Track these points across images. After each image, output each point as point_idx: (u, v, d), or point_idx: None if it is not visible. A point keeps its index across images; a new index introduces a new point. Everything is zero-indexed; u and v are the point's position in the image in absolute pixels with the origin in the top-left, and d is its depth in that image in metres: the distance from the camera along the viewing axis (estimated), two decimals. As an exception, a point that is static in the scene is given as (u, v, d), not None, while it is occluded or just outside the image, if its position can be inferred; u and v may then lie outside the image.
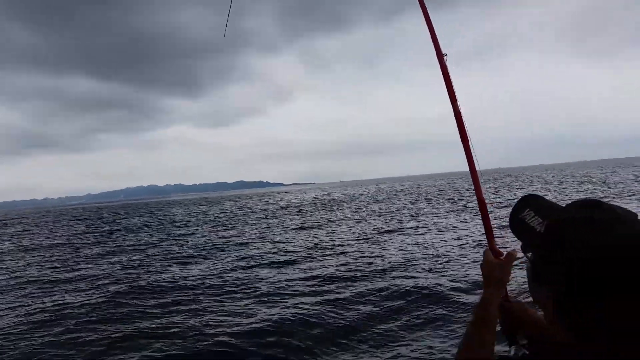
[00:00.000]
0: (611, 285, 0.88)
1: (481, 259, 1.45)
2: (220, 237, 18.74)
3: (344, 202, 40.98)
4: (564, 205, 1.06)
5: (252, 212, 36.73)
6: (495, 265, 1.39)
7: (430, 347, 5.37)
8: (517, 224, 1.11)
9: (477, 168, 1.94)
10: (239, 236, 18.75)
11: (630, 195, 21.83)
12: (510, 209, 1.12)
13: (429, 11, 2.07)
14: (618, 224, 0.93)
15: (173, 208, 61.79)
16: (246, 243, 16.01)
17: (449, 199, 31.77)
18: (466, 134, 2.06)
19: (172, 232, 23.52)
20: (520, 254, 1.17)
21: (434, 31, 2.16)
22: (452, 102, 2.14)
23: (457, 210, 22.69)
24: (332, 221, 22.37)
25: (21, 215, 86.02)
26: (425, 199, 34.61)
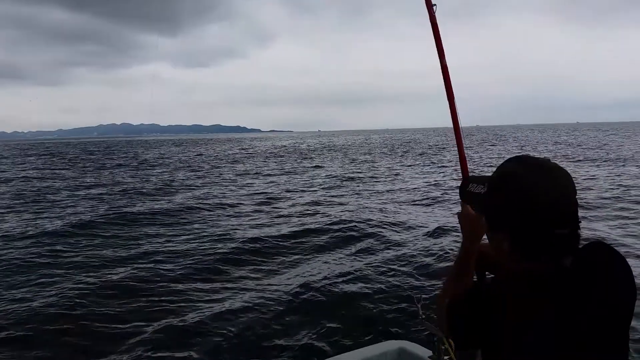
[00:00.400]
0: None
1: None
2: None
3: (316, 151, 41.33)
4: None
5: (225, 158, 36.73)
6: (476, 220, 1.44)
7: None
8: (466, 196, 1.38)
9: (460, 125, 1.98)
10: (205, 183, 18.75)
11: (578, 160, 22.76)
12: (486, 167, 1.28)
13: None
14: (526, 167, 1.17)
15: (143, 149, 60.97)
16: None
17: (422, 154, 32.34)
18: (452, 91, 2.07)
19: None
20: None
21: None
22: (439, 57, 2.13)
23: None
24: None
25: None
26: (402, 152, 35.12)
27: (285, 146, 58.46)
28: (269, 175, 20.80)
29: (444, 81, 2.12)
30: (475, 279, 1.53)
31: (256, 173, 21.94)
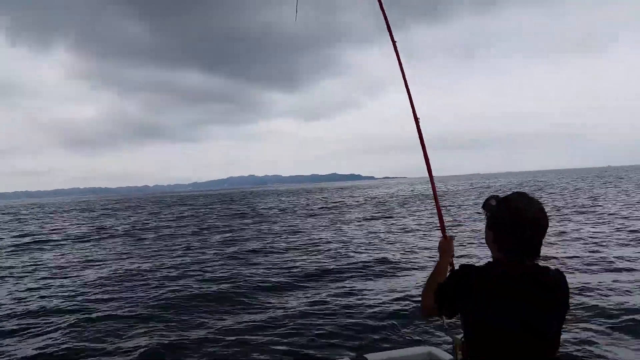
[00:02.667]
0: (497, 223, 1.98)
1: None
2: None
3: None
4: None
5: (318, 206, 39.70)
6: (448, 243, 2.41)
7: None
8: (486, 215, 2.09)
9: (432, 172, 2.66)
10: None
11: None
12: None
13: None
14: (511, 198, 1.98)
15: (267, 197, 68.42)
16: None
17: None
18: (423, 139, 2.64)
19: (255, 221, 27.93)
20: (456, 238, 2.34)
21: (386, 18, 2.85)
22: (411, 103, 2.70)
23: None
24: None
25: (138, 201, 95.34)
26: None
27: (390, 193, 58.85)
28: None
29: (417, 130, 2.65)
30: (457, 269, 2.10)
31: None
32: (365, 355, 3.28)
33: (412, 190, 63.62)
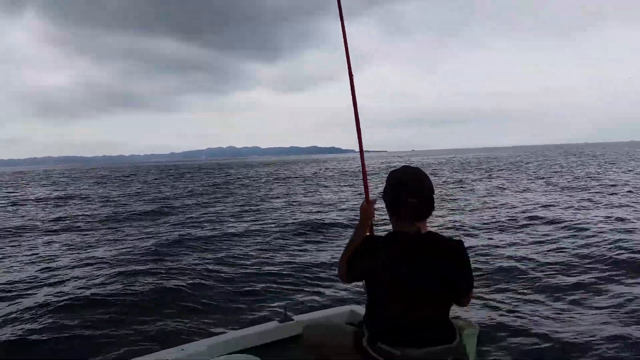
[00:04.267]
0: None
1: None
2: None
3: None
4: None
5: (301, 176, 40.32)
6: (369, 206, 2.44)
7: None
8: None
9: (362, 144, 2.79)
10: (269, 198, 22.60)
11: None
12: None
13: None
14: (398, 170, 2.28)
15: (244, 169, 67.50)
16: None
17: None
18: (357, 110, 2.76)
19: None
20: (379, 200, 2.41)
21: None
22: (349, 72, 2.81)
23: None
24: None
25: (116, 169, 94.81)
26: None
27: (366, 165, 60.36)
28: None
29: (352, 99, 2.75)
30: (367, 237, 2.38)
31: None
32: (292, 316, 3.41)
33: (381, 165, 63.45)
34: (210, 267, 8.46)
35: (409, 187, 2.16)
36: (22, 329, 5.84)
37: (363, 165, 2.79)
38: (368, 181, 2.77)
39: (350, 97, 2.76)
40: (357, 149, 2.81)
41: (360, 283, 2.55)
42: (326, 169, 57.62)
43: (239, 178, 41.81)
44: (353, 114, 2.76)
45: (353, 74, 2.81)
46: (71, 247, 11.43)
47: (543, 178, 26.58)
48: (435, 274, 2.11)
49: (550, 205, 14.71)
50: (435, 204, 2.22)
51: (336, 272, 2.50)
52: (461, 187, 23.09)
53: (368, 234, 2.44)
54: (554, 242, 9.31)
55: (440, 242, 2.16)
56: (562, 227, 10.82)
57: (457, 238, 2.21)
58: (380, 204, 2.40)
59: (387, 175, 2.34)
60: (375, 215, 2.48)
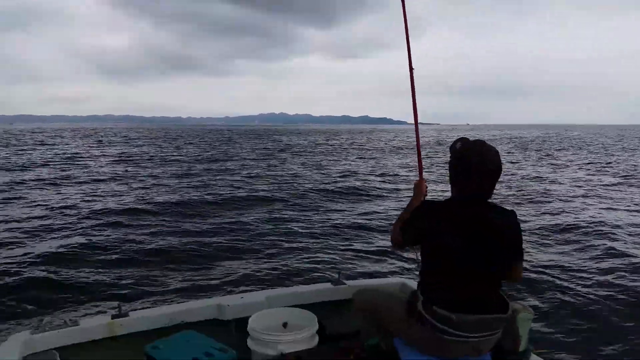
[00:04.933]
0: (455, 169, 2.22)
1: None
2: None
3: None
4: None
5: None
6: (421, 184, 2.65)
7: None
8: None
9: (418, 121, 2.94)
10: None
11: None
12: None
13: None
14: (469, 142, 2.22)
15: (295, 136, 68.85)
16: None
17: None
18: (414, 89, 2.89)
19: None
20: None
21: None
22: (408, 47, 2.91)
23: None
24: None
25: (178, 133, 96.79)
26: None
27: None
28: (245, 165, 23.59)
29: (410, 77, 2.87)
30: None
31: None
32: (345, 281, 3.47)
33: (431, 140, 62.47)
34: (269, 226, 9.36)
35: (478, 166, 2.14)
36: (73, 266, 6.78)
37: (418, 143, 2.95)
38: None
39: (408, 67, 2.85)
40: (410, 121, 2.86)
41: (414, 257, 2.64)
42: (379, 140, 57.67)
43: (289, 145, 42.69)
44: (409, 83, 2.80)
45: (410, 40, 2.79)
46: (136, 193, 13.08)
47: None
48: (489, 244, 2.13)
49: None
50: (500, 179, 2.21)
51: (389, 242, 2.54)
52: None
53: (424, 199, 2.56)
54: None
55: (499, 212, 2.20)
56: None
57: (510, 209, 2.24)
58: (433, 180, 2.91)
59: (446, 148, 2.37)
60: (428, 193, 2.65)
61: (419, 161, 2.93)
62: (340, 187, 15.06)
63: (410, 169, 21.25)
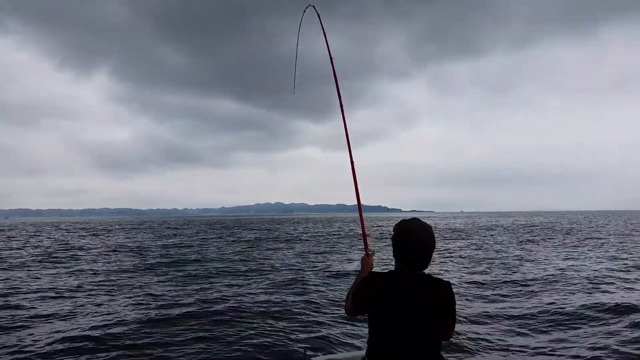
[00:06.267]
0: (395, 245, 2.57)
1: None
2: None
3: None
4: None
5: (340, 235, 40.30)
6: (368, 258, 2.92)
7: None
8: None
9: (360, 203, 3.33)
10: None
11: None
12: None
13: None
14: (405, 222, 2.58)
15: (286, 224, 68.67)
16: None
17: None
18: (355, 173, 3.30)
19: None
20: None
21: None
22: (346, 135, 3.37)
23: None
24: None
25: (167, 223, 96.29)
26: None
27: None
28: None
29: (350, 161, 3.30)
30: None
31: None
32: (312, 357, 3.68)
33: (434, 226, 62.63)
34: (237, 305, 9.52)
35: (418, 241, 2.49)
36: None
37: (362, 222, 3.27)
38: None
39: (350, 160, 3.24)
40: (404, 209, 3.40)
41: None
42: (370, 227, 57.71)
43: (272, 232, 42.58)
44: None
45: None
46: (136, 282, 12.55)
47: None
48: (431, 306, 2.40)
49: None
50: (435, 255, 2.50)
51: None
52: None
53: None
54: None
55: (434, 282, 2.48)
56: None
57: (447, 280, 2.52)
58: (379, 254, 3.17)
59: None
60: (374, 266, 2.93)
61: (364, 239, 3.22)
62: (314, 267, 15.53)
63: (383, 252, 21.20)
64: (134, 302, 10.19)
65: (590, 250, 22.01)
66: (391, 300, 2.42)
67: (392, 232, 2.61)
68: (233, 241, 31.21)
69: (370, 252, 2.98)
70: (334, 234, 40.19)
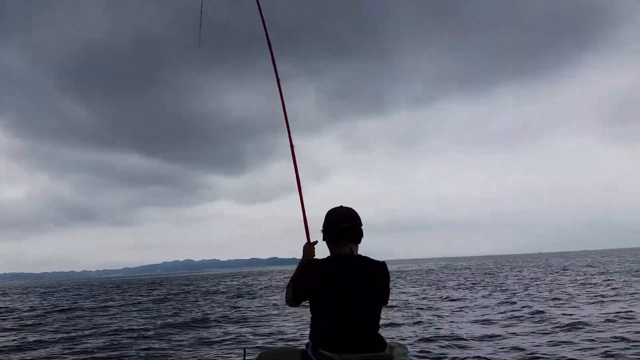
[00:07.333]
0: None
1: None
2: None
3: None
4: None
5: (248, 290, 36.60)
6: (310, 246, 2.99)
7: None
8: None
9: (301, 188, 3.48)
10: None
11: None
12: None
13: None
14: (334, 208, 2.90)
15: (187, 285, 62.30)
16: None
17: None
18: (298, 177, 3.47)
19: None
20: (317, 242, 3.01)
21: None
22: (290, 141, 3.58)
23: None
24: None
25: (57, 286, 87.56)
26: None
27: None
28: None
29: (294, 170, 3.44)
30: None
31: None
32: (249, 352, 4.15)
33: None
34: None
35: (341, 215, 2.81)
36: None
37: (303, 211, 3.37)
38: None
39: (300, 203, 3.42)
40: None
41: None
42: (278, 279, 53.73)
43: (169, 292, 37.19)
44: (309, 223, 3.32)
45: (316, 185, 3.65)
46: None
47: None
48: (366, 289, 2.61)
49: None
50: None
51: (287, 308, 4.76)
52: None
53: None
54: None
55: (370, 262, 2.73)
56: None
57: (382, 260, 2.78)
58: (319, 245, 2.96)
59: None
60: (315, 254, 3.00)
61: (306, 227, 3.31)
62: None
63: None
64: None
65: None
66: (331, 282, 2.59)
67: (324, 220, 2.88)
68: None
69: (313, 241, 3.04)
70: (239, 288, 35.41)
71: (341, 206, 2.88)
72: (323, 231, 2.84)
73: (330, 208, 2.89)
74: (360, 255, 2.72)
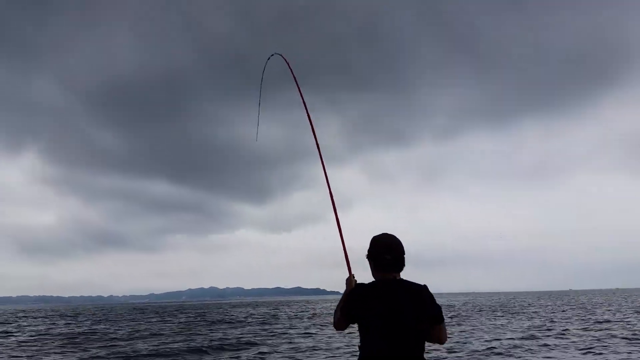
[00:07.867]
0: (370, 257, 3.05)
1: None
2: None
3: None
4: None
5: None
6: (350, 278, 3.23)
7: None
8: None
9: (341, 227, 3.71)
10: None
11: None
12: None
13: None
14: (375, 236, 3.09)
15: (211, 311, 62.46)
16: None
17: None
18: (337, 215, 3.76)
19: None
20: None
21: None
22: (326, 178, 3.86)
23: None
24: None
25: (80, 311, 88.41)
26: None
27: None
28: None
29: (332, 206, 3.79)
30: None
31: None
32: None
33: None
34: None
35: (386, 244, 3.00)
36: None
37: (344, 245, 3.56)
38: None
39: (338, 232, 3.64)
40: (342, 291, 3.19)
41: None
42: (310, 309, 53.38)
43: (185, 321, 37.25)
44: (340, 255, 3.49)
45: (338, 212, 3.74)
46: None
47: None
48: (409, 311, 2.75)
49: None
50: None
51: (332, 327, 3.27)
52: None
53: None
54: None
55: (410, 285, 2.89)
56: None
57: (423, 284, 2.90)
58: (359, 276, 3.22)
59: None
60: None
61: (347, 261, 3.47)
62: None
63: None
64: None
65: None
66: (376, 306, 2.79)
67: (369, 247, 3.05)
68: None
69: (352, 274, 3.28)
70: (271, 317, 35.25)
71: (385, 233, 3.04)
72: (368, 257, 3.02)
73: (376, 234, 3.07)
74: (402, 279, 2.91)
